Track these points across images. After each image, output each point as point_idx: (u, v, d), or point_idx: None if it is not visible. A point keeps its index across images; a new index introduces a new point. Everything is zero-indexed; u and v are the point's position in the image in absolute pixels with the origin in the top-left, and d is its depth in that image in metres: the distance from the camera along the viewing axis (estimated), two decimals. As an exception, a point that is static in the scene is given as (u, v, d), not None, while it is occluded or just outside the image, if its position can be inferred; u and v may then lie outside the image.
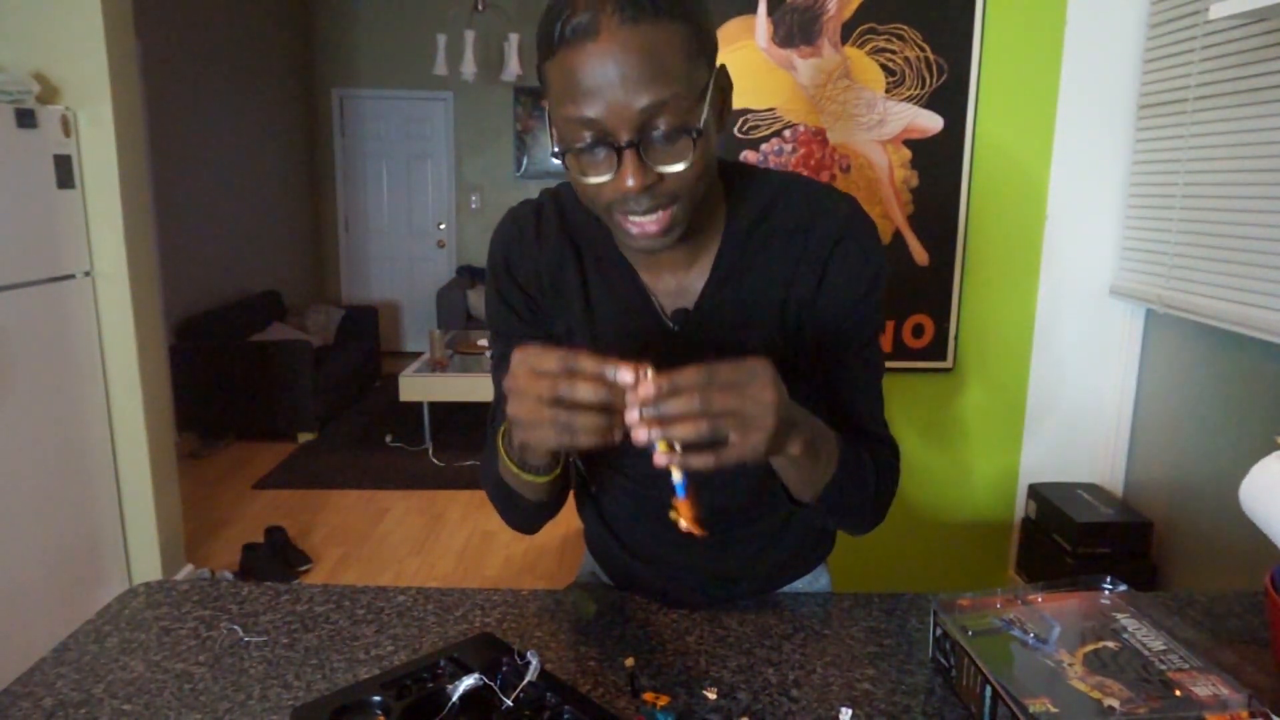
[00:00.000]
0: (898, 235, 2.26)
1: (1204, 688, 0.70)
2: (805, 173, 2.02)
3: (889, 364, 2.30)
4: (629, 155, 0.70)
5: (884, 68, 2.18)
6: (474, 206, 6.86)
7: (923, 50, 2.17)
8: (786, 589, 1.08)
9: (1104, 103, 2.24)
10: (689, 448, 0.66)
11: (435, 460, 4.29)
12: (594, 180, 0.73)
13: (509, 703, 0.70)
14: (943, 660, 0.82)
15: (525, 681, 0.70)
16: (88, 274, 2.50)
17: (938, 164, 2.22)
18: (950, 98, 2.19)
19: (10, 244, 2.22)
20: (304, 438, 4.63)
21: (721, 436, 0.64)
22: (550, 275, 0.92)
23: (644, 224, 0.75)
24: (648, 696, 0.78)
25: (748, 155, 2.23)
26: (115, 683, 0.82)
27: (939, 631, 0.83)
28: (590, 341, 0.91)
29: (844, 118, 2.21)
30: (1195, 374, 2.08)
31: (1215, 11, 1.70)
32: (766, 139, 2.22)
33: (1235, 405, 1.94)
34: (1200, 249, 1.97)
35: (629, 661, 0.83)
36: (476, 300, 6.02)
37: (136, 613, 0.96)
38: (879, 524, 0.92)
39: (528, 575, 3.14)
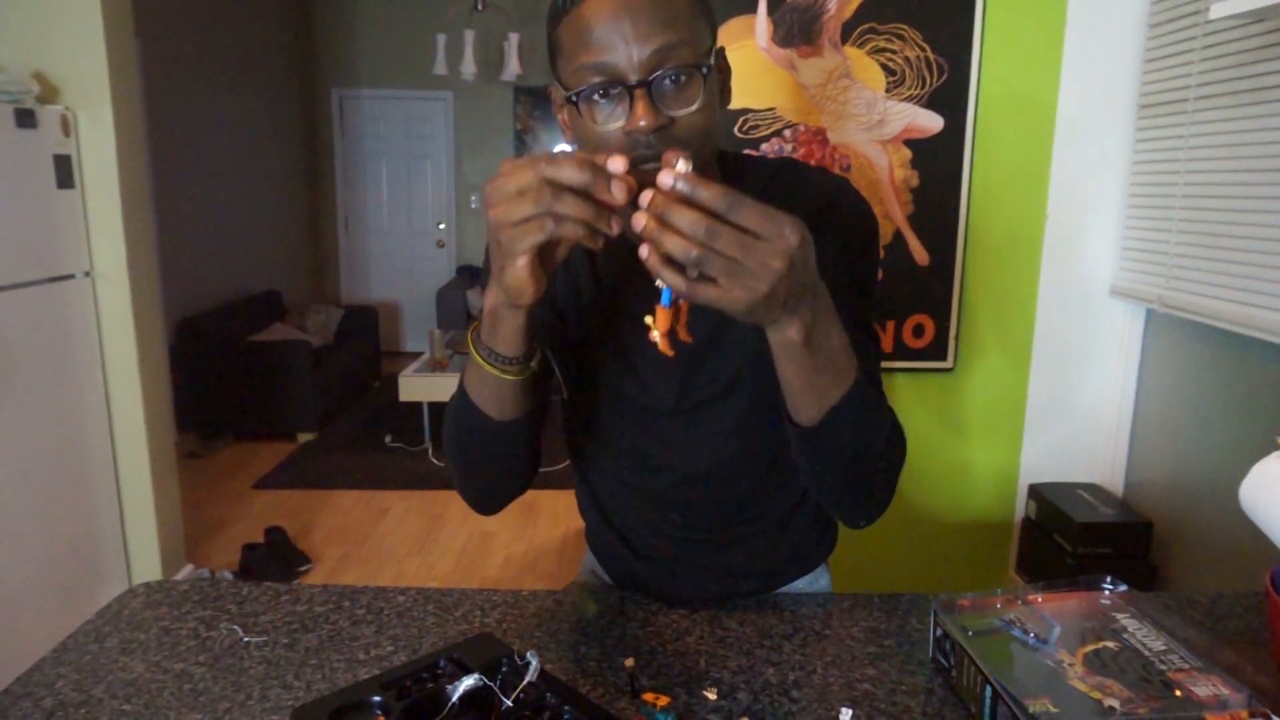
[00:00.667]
0: (898, 235, 2.26)
1: (1204, 688, 0.70)
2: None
3: (889, 364, 2.30)
4: (640, 95, 0.72)
5: (884, 67, 2.18)
6: (474, 206, 6.86)
7: (923, 50, 2.17)
8: (787, 589, 1.08)
9: (1104, 103, 2.24)
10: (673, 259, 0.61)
11: (435, 460, 4.29)
12: (605, 127, 0.74)
13: (509, 703, 0.69)
14: (943, 660, 0.82)
15: (525, 681, 0.70)
16: (88, 274, 2.50)
17: (938, 164, 2.22)
18: (950, 98, 2.19)
19: (10, 244, 2.22)
20: (304, 438, 4.63)
21: (709, 273, 0.60)
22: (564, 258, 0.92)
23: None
24: (648, 696, 0.77)
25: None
26: (115, 683, 0.82)
27: (939, 631, 0.83)
28: (604, 324, 0.92)
29: (844, 117, 2.21)
30: (1195, 374, 2.08)
31: (1215, 11, 1.70)
32: (766, 139, 2.22)
33: (1235, 405, 1.94)
34: (1200, 249, 1.97)
35: (629, 661, 0.83)
36: (476, 300, 6.02)
37: (136, 613, 0.96)
38: (886, 503, 0.85)
39: (528, 575, 3.14)
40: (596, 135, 0.75)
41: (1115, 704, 0.68)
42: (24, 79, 2.26)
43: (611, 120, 0.74)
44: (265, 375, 4.52)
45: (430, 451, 4.37)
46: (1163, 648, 0.76)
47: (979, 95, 2.20)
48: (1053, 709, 0.67)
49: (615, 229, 0.62)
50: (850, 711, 0.76)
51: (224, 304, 5.00)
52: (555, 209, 0.60)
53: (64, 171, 2.38)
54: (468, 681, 0.70)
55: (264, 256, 5.79)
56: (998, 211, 2.28)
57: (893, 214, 2.25)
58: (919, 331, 2.31)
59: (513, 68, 5.09)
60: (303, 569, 3.14)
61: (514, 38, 5.05)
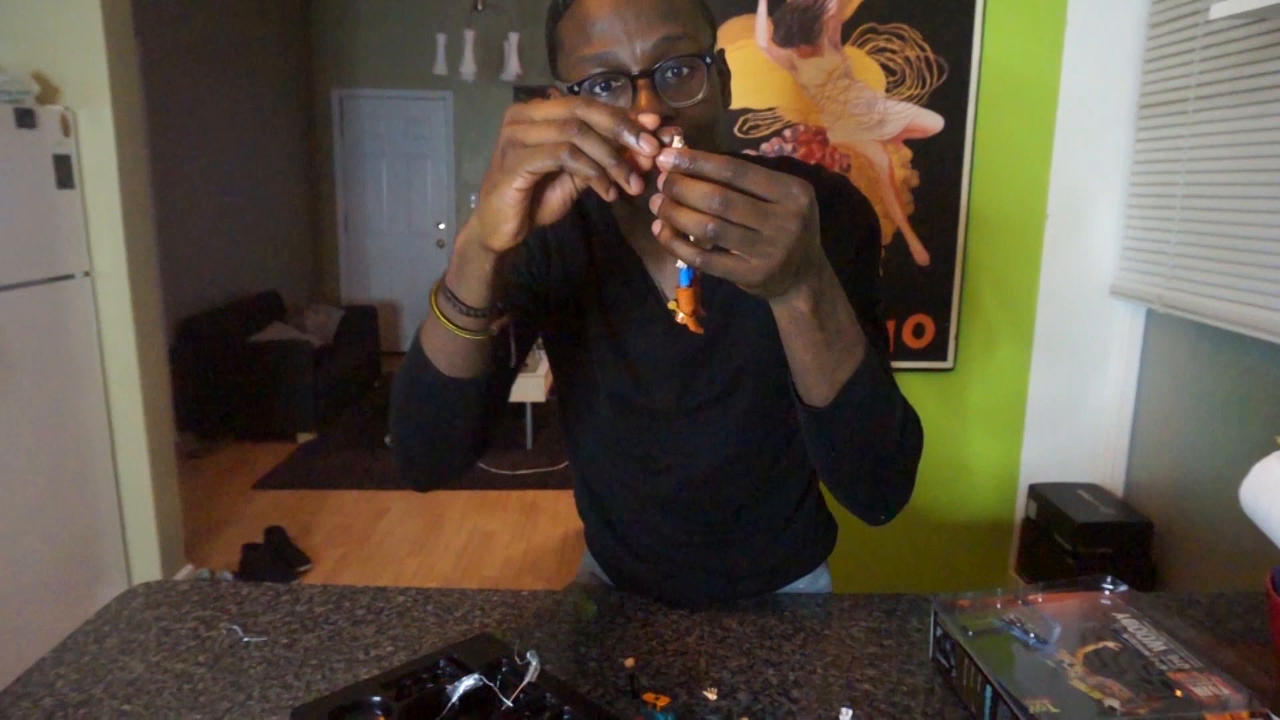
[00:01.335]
0: (898, 235, 2.26)
1: (1204, 688, 0.70)
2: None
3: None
4: (643, 86, 0.72)
5: (884, 67, 2.18)
6: (473, 206, 6.84)
7: (923, 50, 2.17)
8: (787, 589, 1.08)
9: (1104, 103, 2.24)
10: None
11: (435, 460, 4.28)
12: None
13: (509, 703, 0.69)
14: (943, 660, 0.82)
15: (525, 682, 0.70)
16: (87, 274, 2.50)
17: (938, 164, 2.22)
18: (950, 98, 2.19)
19: (10, 244, 2.22)
20: (304, 438, 4.63)
21: (725, 245, 0.58)
22: (559, 251, 0.92)
23: None
24: (648, 697, 0.77)
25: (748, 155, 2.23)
26: (115, 683, 0.82)
27: (939, 631, 0.83)
28: (604, 327, 0.92)
29: (844, 117, 2.21)
30: (1195, 374, 2.08)
31: (1215, 11, 1.70)
32: (766, 139, 2.22)
33: (1235, 405, 1.94)
34: (1200, 249, 1.97)
35: (629, 662, 0.83)
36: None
37: (136, 613, 0.96)
38: (904, 495, 0.83)
39: (527, 575, 3.14)
40: None
41: (1115, 704, 0.68)
42: (24, 79, 2.26)
43: None
44: (265, 375, 4.52)
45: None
46: (1163, 648, 0.76)
47: (979, 95, 2.20)
48: (1053, 709, 0.67)
49: (636, 188, 0.59)
50: (850, 711, 0.76)
51: (224, 304, 5.00)
52: (576, 142, 0.57)
53: (64, 171, 2.39)
54: (468, 681, 0.70)
55: (264, 256, 5.79)
56: (998, 211, 2.28)
57: (893, 214, 2.25)
58: (919, 331, 2.31)
59: (513, 68, 5.09)
60: (303, 569, 3.14)
61: (514, 38, 5.05)
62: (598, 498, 1.06)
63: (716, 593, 1.02)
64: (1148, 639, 0.78)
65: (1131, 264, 2.25)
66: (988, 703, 0.72)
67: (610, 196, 0.59)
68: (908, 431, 0.80)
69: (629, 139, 0.58)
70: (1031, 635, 0.78)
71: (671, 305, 0.65)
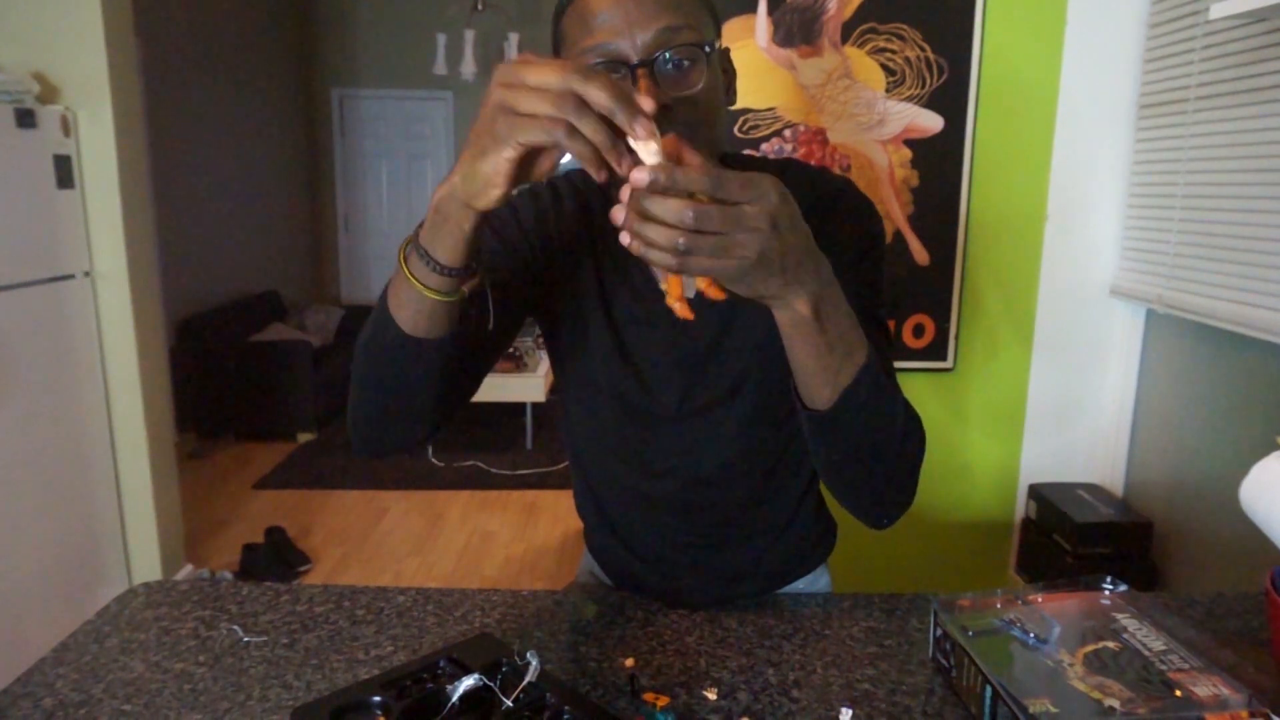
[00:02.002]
0: (898, 235, 2.26)
1: (1204, 688, 0.70)
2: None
3: (889, 364, 2.30)
4: (642, 75, 0.72)
5: (884, 67, 2.18)
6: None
7: (923, 50, 2.17)
8: (787, 589, 1.08)
9: (1104, 103, 2.24)
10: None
11: (435, 460, 4.29)
12: None
13: (509, 703, 0.69)
14: (943, 660, 0.82)
15: (525, 682, 0.70)
16: (88, 274, 2.50)
17: (938, 164, 2.22)
18: (950, 98, 2.19)
19: (10, 244, 2.22)
20: (304, 438, 4.63)
21: (696, 255, 0.56)
22: (563, 248, 0.91)
23: None
24: (648, 697, 0.77)
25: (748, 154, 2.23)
26: (115, 683, 0.82)
27: (939, 631, 0.83)
28: (607, 327, 0.91)
29: (844, 117, 2.21)
30: (1195, 374, 2.08)
31: (1215, 11, 1.70)
32: (766, 139, 2.22)
33: (1235, 405, 1.94)
34: (1200, 249, 1.97)
35: (629, 662, 0.83)
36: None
37: (136, 613, 0.96)
38: (908, 498, 0.83)
39: (527, 575, 3.14)
40: None
41: (1115, 704, 0.68)
42: (24, 79, 2.26)
43: None
44: (265, 375, 4.52)
45: (430, 451, 4.37)
46: (1163, 648, 0.76)
47: (979, 95, 2.20)
48: (1053, 709, 0.67)
49: (626, 170, 0.56)
50: (850, 711, 0.76)
51: (224, 304, 4.99)
52: (573, 121, 0.55)
53: (64, 171, 2.38)
54: (468, 681, 0.70)
55: (264, 256, 5.78)
56: (998, 211, 2.28)
57: (893, 214, 2.25)
58: (919, 331, 2.31)
59: (513, 68, 5.09)
60: (303, 569, 3.14)
61: (514, 38, 5.06)
62: (598, 498, 1.06)
63: (716, 593, 1.02)
64: (1147, 639, 0.78)
65: (1131, 264, 2.25)
66: (987, 702, 0.72)
67: (601, 178, 0.58)
68: (910, 435, 0.79)
69: (624, 126, 0.56)
70: (1031, 635, 0.78)
71: (663, 287, 0.65)
